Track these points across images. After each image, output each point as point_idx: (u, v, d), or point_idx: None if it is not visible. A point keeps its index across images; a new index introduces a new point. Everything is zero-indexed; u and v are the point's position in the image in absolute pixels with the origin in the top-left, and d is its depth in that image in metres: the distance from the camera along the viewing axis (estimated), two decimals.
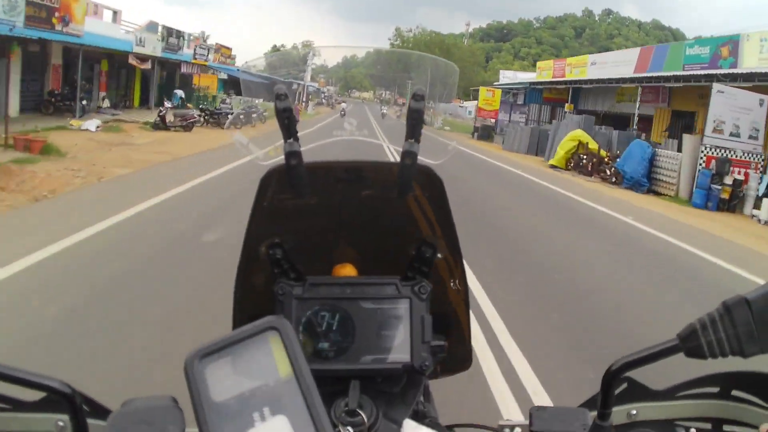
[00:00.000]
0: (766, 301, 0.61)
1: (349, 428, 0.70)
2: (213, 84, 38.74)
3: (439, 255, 0.84)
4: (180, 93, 26.31)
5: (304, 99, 42.63)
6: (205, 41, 39.86)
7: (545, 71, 38.23)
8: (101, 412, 0.70)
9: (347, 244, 0.87)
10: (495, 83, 47.80)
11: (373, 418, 0.72)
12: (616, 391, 0.72)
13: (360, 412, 0.71)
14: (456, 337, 0.89)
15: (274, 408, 0.45)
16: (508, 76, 51.01)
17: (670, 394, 0.77)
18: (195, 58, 30.96)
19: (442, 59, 0.94)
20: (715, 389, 0.75)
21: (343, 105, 43.37)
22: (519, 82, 42.80)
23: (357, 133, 0.84)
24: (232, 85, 41.61)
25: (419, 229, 0.84)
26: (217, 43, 39.47)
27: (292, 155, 0.72)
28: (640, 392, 0.76)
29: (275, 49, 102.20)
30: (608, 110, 29.52)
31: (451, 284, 0.88)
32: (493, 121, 41.38)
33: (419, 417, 0.80)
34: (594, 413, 0.72)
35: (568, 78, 32.91)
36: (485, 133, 40.49)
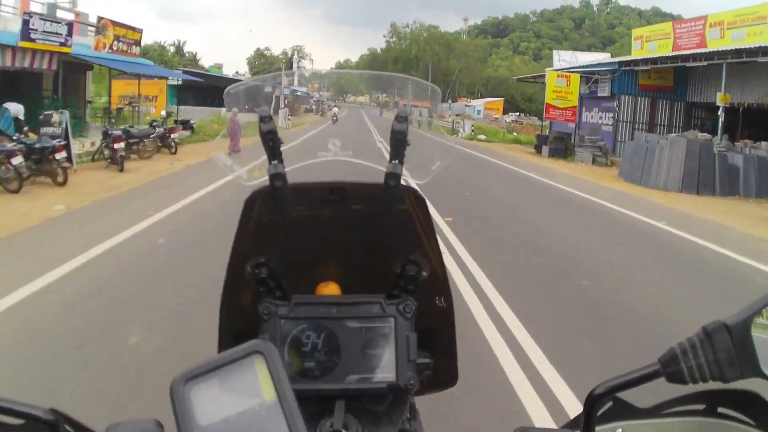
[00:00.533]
0: (745, 327, 0.62)
1: None
2: (161, 93, 28.08)
3: (423, 273, 0.84)
4: (13, 109, 13.22)
5: (283, 106, 38.85)
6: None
7: (653, 40, 23.97)
8: None
9: (331, 262, 0.88)
10: (548, 69, 30.80)
11: None
12: (602, 410, 0.73)
13: None
14: (442, 353, 0.89)
15: None
16: (566, 59, 34.86)
17: (655, 411, 0.77)
18: (32, 41, 15.86)
19: (423, 81, 0.98)
20: (701, 407, 0.76)
21: (335, 110, 40.41)
22: (599, 63, 27.41)
23: (342, 154, 0.84)
24: (193, 92, 33.08)
25: (404, 248, 0.84)
26: (105, 19, 21.60)
27: (277, 177, 0.72)
28: (625, 410, 0.77)
29: (259, 53, 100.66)
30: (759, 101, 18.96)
31: (437, 301, 0.89)
32: (571, 125, 25.96)
33: None
34: None
35: (717, 47, 18.56)
36: (559, 147, 25.31)
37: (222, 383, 0.47)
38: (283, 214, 0.77)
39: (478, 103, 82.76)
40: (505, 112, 79.87)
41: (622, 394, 0.72)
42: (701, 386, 0.71)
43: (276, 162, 0.72)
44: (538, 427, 0.72)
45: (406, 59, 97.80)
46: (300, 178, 0.79)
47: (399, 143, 0.73)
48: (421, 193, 0.80)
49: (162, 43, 75.42)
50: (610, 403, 0.74)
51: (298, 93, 51.76)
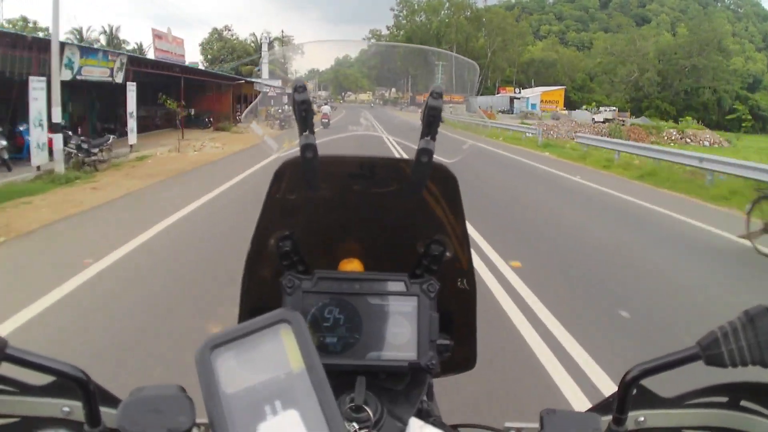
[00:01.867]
0: None
1: (355, 424, 0.70)
2: None
3: (448, 253, 0.83)
4: None
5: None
6: None
7: None
8: (110, 400, 0.70)
9: (355, 239, 0.87)
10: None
11: (378, 415, 0.72)
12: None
13: (366, 408, 0.71)
14: (461, 336, 0.89)
15: (285, 401, 0.44)
16: None
17: (678, 402, 0.77)
18: None
19: (462, 57, 0.92)
20: (724, 399, 0.75)
21: (326, 109, 26.50)
22: None
23: (373, 129, 0.83)
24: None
25: (430, 227, 0.84)
26: None
27: (308, 148, 0.72)
28: (649, 399, 0.76)
29: (216, 34, 78.00)
30: None
31: (459, 283, 0.88)
32: None
33: (423, 415, 0.80)
34: (604, 418, 0.71)
35: None
36: None
37: (248, 351, 0.46)
38: (311, 187, 0.77)
39: (532, 94, 68.07)
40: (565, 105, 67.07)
41: (646, 382, 0.71)
42: (726, 378, 0.70)
43: (307, 133, 0.71)
44: (564, 409, 0.72)
45: (423, 38, 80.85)
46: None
47: (433, 120, 0.71)
48: (452, 170, 0.79)
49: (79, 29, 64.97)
50: (634, 391, 0.74)
51: (269, 90, 34.66)
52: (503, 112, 63.33)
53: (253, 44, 76.73)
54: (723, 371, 0.64)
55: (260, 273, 0.84)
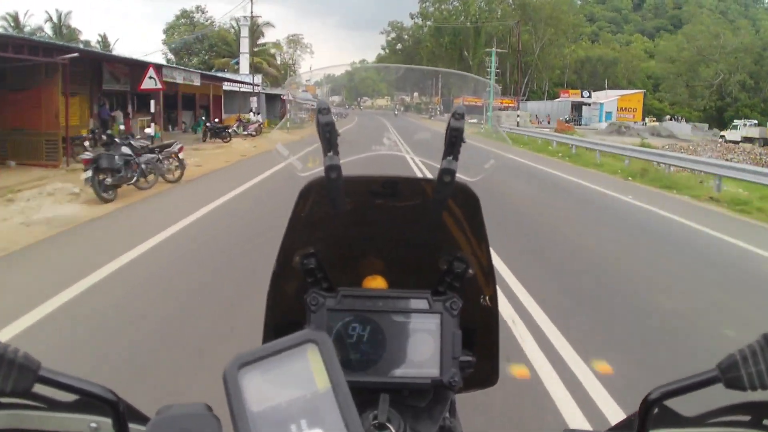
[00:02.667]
0: None
1: None
2: None
3: (470, 271, 0.84)
4: None
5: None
6: None
7: None
8: (139, 417, 0.71)
9: (378, 256, 0.88)
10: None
11: None
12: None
13: (389, 425, 0.72)
14: (484, 352, 0.89)
15: (311, 420, 0.45)
16: None
17: (700, 421, 0.76)
18: None
19: (473, 76, 0.94)
20: (747, 418, 0.74)
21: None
22: None
23: (396, 149, 0.85)
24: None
25: (452, 245, 0.84)
26: None
27: (332, 169, 0.73)
28: (670, 418, 0.76)
29: (184, 16, 66.85)
30: None
31: (482, 300, 0.89)
32: None
33: None
34: None
35: None
36: None
37: (275, 370, 0.47)
38: (336, 206, 0.79)
39: (606, 99, 54.11)
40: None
41: (668, 402, 0.71)
42: (748, 397, 0.70)
43: (332, 154, 0.73)
44: (585, 429, 0.72)
45: (457, 29, 69.60)
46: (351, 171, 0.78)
47: (455, 140, 0.73)
48: (474, 190, 0.80)
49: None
50: (655, 410, 0.74)
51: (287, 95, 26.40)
52: (569, 121, 51.09)
53: (233, 30, 59.88)
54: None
55: (285, 289, 0.86)
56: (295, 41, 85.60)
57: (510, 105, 51.97)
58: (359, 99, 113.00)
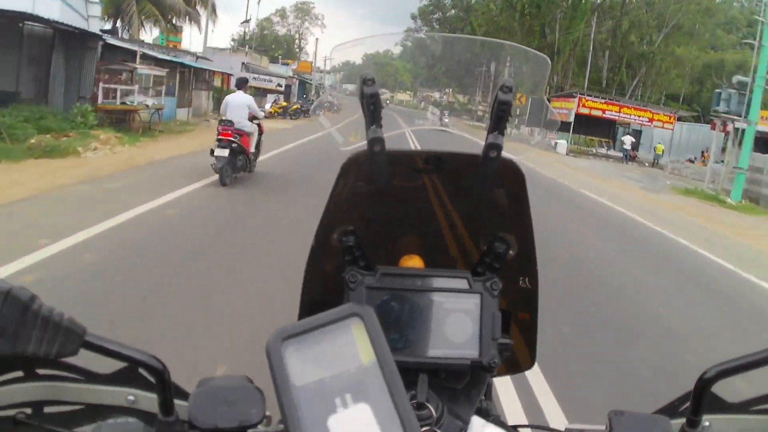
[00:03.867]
0: None
1: None
2: None
3: (511, 252, 0.82)
4: None
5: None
6: None
7: None
8: (178, 392, 0.70)
9: (416, 235, 0.87)
10: None
11: (439, 413, 0.71)
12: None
13: (428, 405, 0.71)
14: (522, 335, 0.87)
15: (356, 395, 0.44)
16: None
17: (744, 407, 0.74)
18: None
19: (532, 51, 0.88)
20: None
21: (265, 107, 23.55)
22: None
23: (441, 124, 0.83)
24: None
25: (494, 224, 0.82)
26: None
27: (376, 141, 0.72)
28: (714, 404, 0.74)
29: None
30: None
31: (521, 282, 0.87)
32: None
33: (483, 414, 0.79)
34: (674, 421, 0.70)
35: None
36: None
37: (318, 344, 0.47)
38: (377, 181, 0.77)
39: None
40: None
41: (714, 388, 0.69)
42: None
43: (375, 127, 0.71)
44: (633, 411, 0.70)
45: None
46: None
47: (502, 114, 0.70)
48: (521, 166, 0.77)
49: None
50: (708, 392, 0.72)
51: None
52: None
53: None
54: None
55: (322, 266, 0.85)
56: (303, 10, 76.30)
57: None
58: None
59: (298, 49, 77.68)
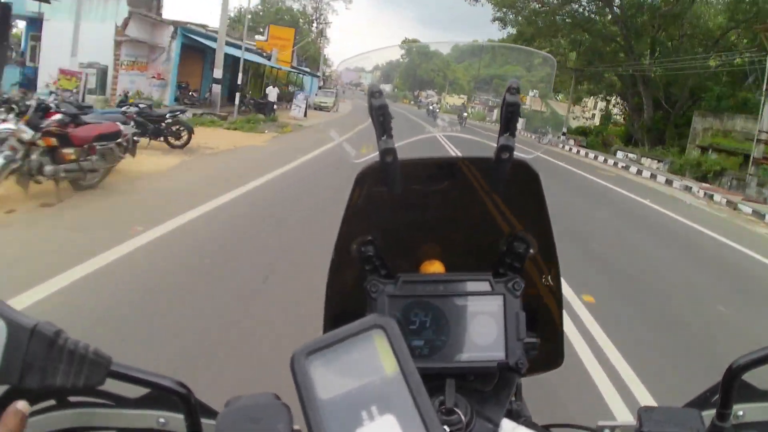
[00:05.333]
0: None
1: (446, 427, 0.70)
2: None
3: (531, 250, 0.82)
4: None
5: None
6: None
7: None
8: (207, 411, 0.71)
9: (435, 240, 0.87)
10: None
11: (469, 417, 0.71)
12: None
13: (456, 410, 0.71)
14: (548, 334, 0.87)
15: (381, 406, 0.45)
16: None
17: None
18: None
19: (538, 51, 0.90)
20: None
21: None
22: None
23: (451, 129, 0.83)
24: None
25: (512, 224, 0.83)
26: None
27: (388, 152, 0.72)
28: (747, 392, 0.73)
29: None
30: None
31: (543, 280, 0.87)
32: None
33: (513, 416, 0.79)
34: (705, 413, 0.69)
35: None
36: None
37: (342, 357, 0.47)
38: (392, 191, 0.78)
39: None
40: None
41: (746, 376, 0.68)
42: None
43: (386, 137, 0.72)
44: (663, 406, 0.69)
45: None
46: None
47: (512, 116, 0.71)
48: (533, 166, 0.77)
49: None
50: (737, 384, 0.71)
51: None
52: None
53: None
54: None
55: (343, 278, 0.86)
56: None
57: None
58: (417, 93, 79.93)
59: (314, 31, 63.63)
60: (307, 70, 43.37)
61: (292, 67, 37.96)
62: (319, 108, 37.19)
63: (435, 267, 0.84)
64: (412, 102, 78.37)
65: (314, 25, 65.39)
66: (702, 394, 0.73)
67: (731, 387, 0.67)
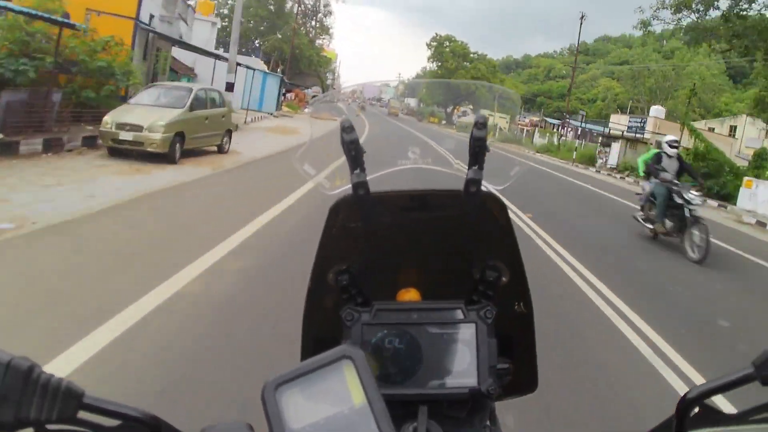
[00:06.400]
0: None
1: None
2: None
3: (503, 278, 0.84)
4: None
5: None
6: None
7: None
8: None
9: (411, 268, 0.89)
10: None
11: None
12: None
13: None
14: (521, 359, 0.89)
15: None
16: None
17: (743, 417, 0.74)
18: None
19: (502, 88, 0.94)
20: None
21: None
22: None
23: (422, 161, 0.85)
24: None
25: (483, 254, 0.85)
26: None
27: (360, 185, 0.75)
28: (712, 416, 0.74)
29: None
30: None
31: (516, 306, 0.89)
32: None
33: None
34: None
35: None
36: None
37: (312, 388, 0.49)
38: (366, 222, 0.80)
39: None
40: None
41: (709, 401, 0.70)
42: None
43: (358, 171, 0.74)
44: (623, 430, 0.71)
45: None
46: (379, 186, 0.80)
47: (479, 150, 0.73)
48: (501, 197, 0.80)
49: None
50: (696, 409, 0.73)
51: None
52: None
53: None
54: None
55: (321, 306, 0.87)
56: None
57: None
58: (449, 109, 70.50)
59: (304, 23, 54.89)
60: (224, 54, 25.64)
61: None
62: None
63: (411, 295, 0.86)
64: (444, 121, 68.48)
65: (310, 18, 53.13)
66: (666, 421, 0.75)
67: (685, 416, 0.69)
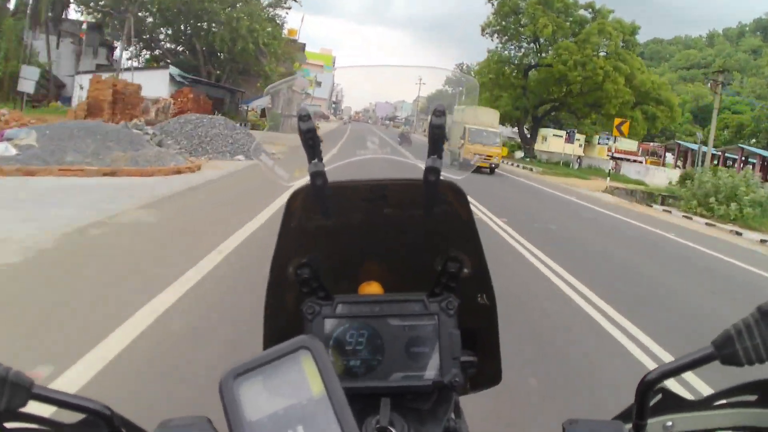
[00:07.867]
0: None
1: None
2: None
3: (465, 270, 0.84)
4: None
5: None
6: None
7: None
8: None
9: (373, 261, 0.88)
10: None
11: None
12: (651, 403, 0.71)
13: (392, 429, 0.71)
14: (485, 352, 0.89)
15: (307, 427, 0.45)
16: None
17: (706, 403, 0.75)
18: None
19: (462, 74, 0.94)
20: (753, 397, 0.73)
21: None
22: None
23: (381, 152, 0.85)
24: None
25: (445, 245, 0.84)
26: None
27: (318, 175, 0.73)
28: (675, 403, 0.75)
29: None
30: None
31: (479, 298, 0.88)
32: None
33: None
34: (629, 426, 0.71)
35: None
36: None
37: (270, 379, 0.48)
38: (324, 213, 0.78)
39: None
40: None
41: (672, 387, 0.70)
42: (754, 375, 0.69)
43: (316, 161, 0.73)
44: (587, 419, 0.71)
45: None
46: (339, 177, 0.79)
47: (437, 138, 0.72)
48: (461, 187, 0.80)
49: None
50: (659, 396, 0.73)
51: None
52: None
53: None
54: (750, 368, 0.63)
55: (282, 300, 0.86)
56: None
57: None
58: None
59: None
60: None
61: None
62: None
63: (373, 288, 0.85)
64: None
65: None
66: (630, 407, 0.75)
67: (645, 399, 0.69)
